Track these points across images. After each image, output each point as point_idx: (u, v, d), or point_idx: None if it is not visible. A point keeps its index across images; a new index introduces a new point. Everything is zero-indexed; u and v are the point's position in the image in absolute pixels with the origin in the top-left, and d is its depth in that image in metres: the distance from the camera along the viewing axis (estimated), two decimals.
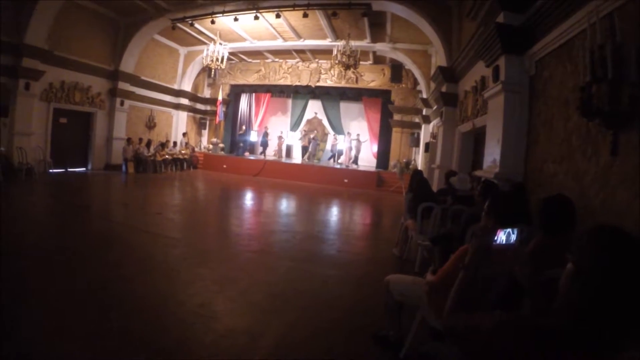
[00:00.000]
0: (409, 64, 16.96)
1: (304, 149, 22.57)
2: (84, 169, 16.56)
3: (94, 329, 3.54)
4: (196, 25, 15.95)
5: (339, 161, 21.25)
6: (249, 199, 13.98)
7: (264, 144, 22.87)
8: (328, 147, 23.76)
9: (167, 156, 19.37)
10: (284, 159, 22.79)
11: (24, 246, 6.04)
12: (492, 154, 6.41)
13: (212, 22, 14.61)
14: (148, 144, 18.62)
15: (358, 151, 21.59)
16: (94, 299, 4.19)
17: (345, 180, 18.91)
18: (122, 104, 17.37)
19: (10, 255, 5.46)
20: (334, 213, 12.36)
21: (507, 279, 2.92)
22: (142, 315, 3.91)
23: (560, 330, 1.69)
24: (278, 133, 23.75)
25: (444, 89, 11.19)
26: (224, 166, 21.37)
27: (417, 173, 7.63)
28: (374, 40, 16.25)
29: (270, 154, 23.43)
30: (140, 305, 4.14)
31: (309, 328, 3.93)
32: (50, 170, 14.29)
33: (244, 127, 24.07)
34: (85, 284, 4.57)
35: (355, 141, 21.66)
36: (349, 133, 21.82)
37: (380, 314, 3.75)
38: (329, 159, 22.72)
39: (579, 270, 1.66)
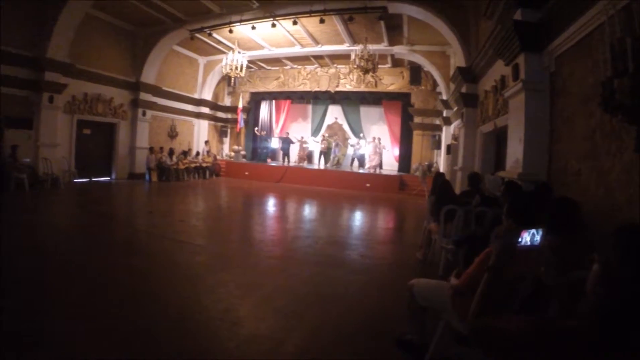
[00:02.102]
0: (427, 65, 16.82)
1: (323, 155, 22.51)
2: (108, 178, 16.93)
3: (118, 335, 3.61)
4: (214, 35, 16.19)
5: (366, 167, 21.05)
6: (271, 205, 14.01)
7: (285, 150, 22.93)
8: (350, 152, 23.64)
9: (189, 164, 19.60)
10: (306, 165, 22.82)
11: (50, 254, 6.24)
12: (515, 154, 6.32)
13: (230, 31, 14.77)
14: (170, 153, 18.91)
15: (381, 156, 21.42)
16: (119, 305, 4.27)
17: (367, 185, 18.80)
18: (144, 114, 17.74)
19: (37, 263, 5.66)
20: (356, 218, 12.29)
21: (532, 280, 2.87)
22: (167, 320, 3.96)
23: (588, 332, 1.65)
24: (299, 138, 23.68)
25: (463, 90, 11.09)
26: (246, 173, 21.52)
27: (439, 176, 7.55)
28: (392, 43, 16.19)
29: (293, 160, 23.44)
30: (164, 311, 4.19)
31: (333, 333, 3.90)
32: (75, 180, 14.69)
33: (263, 132, 24.10)
34: (109, 290, 4.67)
35: (379, 146, 21.42)
36: (374, 138, 21.60)
37: (403, 319, 3.70)
38: (352, 163, 22.55)
39: (606, 271, 1.62)
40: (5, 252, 5.83)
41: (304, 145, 23.40)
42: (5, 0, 11.28)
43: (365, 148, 22.03)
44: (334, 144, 22.69)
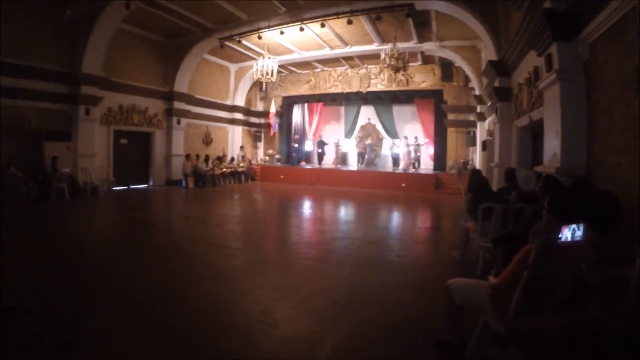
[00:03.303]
0: (458, 61, 16.56)
1: (360, 156, 22.45)
2: (146, 185, 17.49)
3: (157, 336, 3.71)
4: (244, 41, 16.40)
5: (401, 167, 20.89)
6: (306, 207, 14.08)
7: (321, 154, 22.93)
8: (384, 152, 23.49)
9: (224, 170, 19.91)
10: (340, 166, 22.81)
11: (91, 258, 6.55)
12: (552, 148, 6.13)
13: (259, 37, 14.94)
14: (206, 159, 19.29)
15: (418, 154, 21.23)
16: (157, 307, 4.40)
17: (403, 185, 18.63)
18: (178, 122, 18.24)
19: (78, 267, 5.92)
20: (392, 218, 12.21)
21: (573, 278, 2.78)
22: (204, 321, 4.04)
23: (632, 332, 1.59)
24: (334, 140, 23.77)
25: (496, 84, 10.84)
26: (281, 177, 21.70)
27: (475, 173, 7.44)
28: (421, 40, 15.99)
29: (328, 162, 23.45)
30: (202, 313, 4.27)
31: (369, 334, 3.87)
32: (114, 188, 15.29)
33: (297, 136, 24.25)
34: (147, 292, 4.82)
35: (414, 145, 21.30)
36: (406, 137, 21.47)
37: (441, 319, 3.63)
38: (394, 163, 22.33)
39: None
40: (47, 257, 6.19)
41: (339, 147, 23.37)
42: (42, 20, 11.89)
43: (401, 148, 21.81)
44: (368, 146, 22.55)
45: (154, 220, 11.00)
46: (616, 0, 4.26)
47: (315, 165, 22.54)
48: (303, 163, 23.61)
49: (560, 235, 2.52)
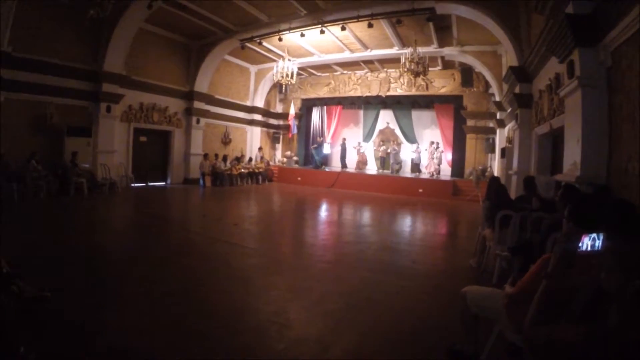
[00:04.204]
0: (478, 66, 16.39)
1: (382, 160, 22.33)
2: (164, 183, 17.71)
3: (169, 331, 3.76)
4: (264, 43, 16.51)
5: (426, 171, 20.70)
6: (323, 210, 14.06)
7: (343, 157, 22.86)
8: (407, 157, 23.18)
9: (242, 170, 20.04)
10: (358, 170, 22.71)
11: (108, 253, 6.68)
12: (572, 156, 6.04)
13: (280, 39, 14.98)
14: (224, 159, 19.46)
15: (440, 160, 21.00)
16: (172, 304, 4.46)
17: (420, 190, 18.50)
18: (198, 121, 18.47)
19: (96, 261, 6.06)
20: (408, 223, 12.12)
21: (592, 288, 2.73)
22: (218, 320, 4.07)
23: None
24: (354, 144, 23.57)
25: (517, 90, 10.72)
26: (298, 178, 21.79)
27: (494, 180, 7.37)
28: (441, 44, 15.87)
29: (352, 166, 23.34)
30: (216, 311, 4.31)
31: (381, 339, 3.87)
32: (132, 185, 15.50)
33: (320, 139, 24.23)
34: (163, 289, 4.88)
35: (439, 151, 20.98)
36: (432, 142, 21.15)
37: (455, 328, 3.59)
38: (413, 169, 22.04)
39: None
40: (67, 250, 6.30)
41: (361, 151, 23.32)
42: (66, 19, 12.27)
43: (424, 153, 21.63)
44: (390, 150, 22.43)
45: (171, 217, 11.14)
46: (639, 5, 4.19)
47: (336, 168, 22.46)
48: (324, 167, 23.46)
49: (580, 245, 2.47)
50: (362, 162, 23.16)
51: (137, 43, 14.66)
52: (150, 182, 16.83)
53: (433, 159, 20.52)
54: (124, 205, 12.19)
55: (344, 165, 22.57)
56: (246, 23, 15.04)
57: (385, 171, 21.79)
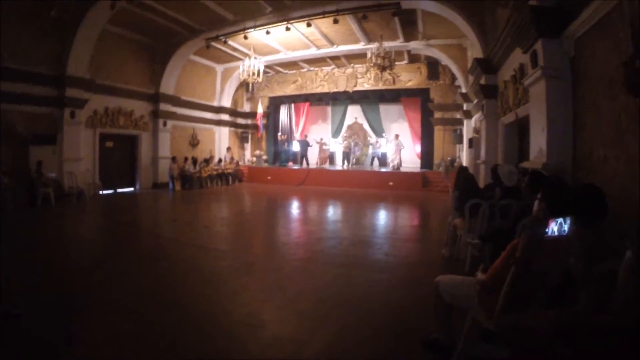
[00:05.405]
0: (444, 59, 16.60)
1: (345, 155, 22.47)
2: (132, 189, 17.26)
3: (144, 339, 3.68)
4: (230, 42, 16.27)
5: (392, 165, 20.89)
6: (294, 207, 14.04)
7: (304, 153, 22.85)
8: (370, 151, 23.43)
9: (211, 172, 19.81)
10: (328, 166, 22.82)
11: (78, 263, 6.45)
12: (538, 144, 6.17)
13: (245, 37, 14.84)
14: (194, 161, 19.16)
15: (400, 153, 21.16)
16: (143, 310, 4.36)
17: (390, 183, 18.67)
18: (164, 124, 18.08)
19: (65, 272, 5.82)
20: (380, 217, 12.22)
21: (561, 272, 2.76)
22: (190, 324, 4.00)
23: (624, 328, 1.56)
24: (318, 140, 23.60)
25: (482, 82, 10.90)
26: (268, 177, 21.65)
27: (462, 170, 7.46)
28: (407, 39, 15.99)
29: (313, 162, 23.41)
30: (189, 315, 4.23)
31: (357, 334, 3.86)
32: (100, 192, 15.03)
33: (283, 136, 24.21)
34: (134, 295, 4.79)
35: (397, 144, 21.19)
36: (396, 135, 21.47)
37: (430, 317, 3.62)
38: (372, 163, 22.37)
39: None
40: (33, 263, 6.07)
41: (324, 147, 23.35)
42: (24, 21, 11.69)
43: (387, 146, 21.85)
44: (353, 144, 22.56)
45: (141, 223, 10.90)
46: None
47: (300, 166, 22.45)
48: (291, 163, 23.48)
49: (547, 230, 2.50)
50: (325, 158, 23.19)
51: (101, 45, 14.17)
52: (119, 189, 16.39)
53: (397, 152, 20.72)
54: (93, 214, 11.81)
55: (303, 162, 22.56)
56: (212, 22, 14.82)
57: (355, 166, 21.85)
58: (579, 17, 4.99)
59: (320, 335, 3.83)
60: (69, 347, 3.43)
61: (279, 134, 23.94)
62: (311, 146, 22.93)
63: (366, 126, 23.87)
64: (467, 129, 16.23)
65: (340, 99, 22.91)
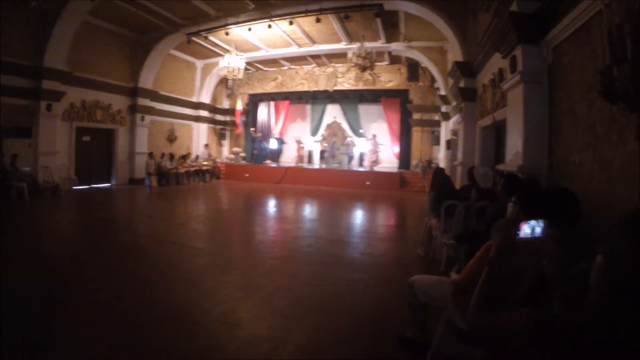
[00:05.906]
0: (425, 61, 16.77)
1: (322, 154, 22.50)
2: (109, 184, 16.96)
3: (119, 338, 3.62)
4: (211, 37, 16.18)
5: (367, 165, 21.02)
6: (271, 206, 14.00)
7: (279, 151, 22.83)
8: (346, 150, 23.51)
9: (189, 168, 19.64)
10: (305, 165, 22.80)
11: (54, 261, 6.22)
12: (515, 147, 6.26)
13: (226, 33, 14.79)
14: (171, 157, 18.96)
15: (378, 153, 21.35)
16: (119, 309, 4.28)
17: (368, 183, 18.81)
18: (142, 119, 17.80)
19: (38, 269, 5.66)
20: (357, 216, 12.29)
21: (534, 274, 2.81)
22: (167, 323, 3.95)
23: (595, 327, 1.59)
24: (296, 138, 23.64)
25: (461, 84, 11.05)
26: (246, 175, 21.57)
27: (438, 171, 7.51)
28: (389, 40, 16.12)
29: (288, 160, 23.37)
30: (165, 314, 4.18)
31: (334, 333, 3.88)
32: (75, 187, 14.69)
33: (259, 134, 24.10)
34: (110, 294, 4.68)
35: (375, 143, 21.38)
36: (374, 135, 21.57)
37: (405, 317, 3.67)
38: (349, 162, 22.40)
39: (611, 262, 1.57)
40: (6, 260, 5.85)
41: (301, 146, 23.34)
42: (3, 10, 11.34)
43: (365, 145, 21.96)
44: (332, 143, 22.63)
45: (117, 220, 10.69)
46: (582, 4, 4.39)
47: (277, 163, 22.43)
48: (268, 161, 23.41)
49: (518, 232, 2.54)
50: (301, 157, 23.22)
51: (80, 37, 13.85)
52: (95, 184, 16.08)
53: (377, 152, 20.84)
54: (68, 210, 11.50)
55: (275, 160, 22.56)
56: (193, 16, 14.67)
57: (334, 165, 21.91)
58: (559, 24, 5.09)
59: (297, 333, 3.83)
60: (43, 352, 3.34)
61: (252, 129, 23.74)
62: (285, 143, 22.98)
63: (345, 126, 23.93)
64: (445, 130, 16.41)
65: (320, 98, 22.94)
